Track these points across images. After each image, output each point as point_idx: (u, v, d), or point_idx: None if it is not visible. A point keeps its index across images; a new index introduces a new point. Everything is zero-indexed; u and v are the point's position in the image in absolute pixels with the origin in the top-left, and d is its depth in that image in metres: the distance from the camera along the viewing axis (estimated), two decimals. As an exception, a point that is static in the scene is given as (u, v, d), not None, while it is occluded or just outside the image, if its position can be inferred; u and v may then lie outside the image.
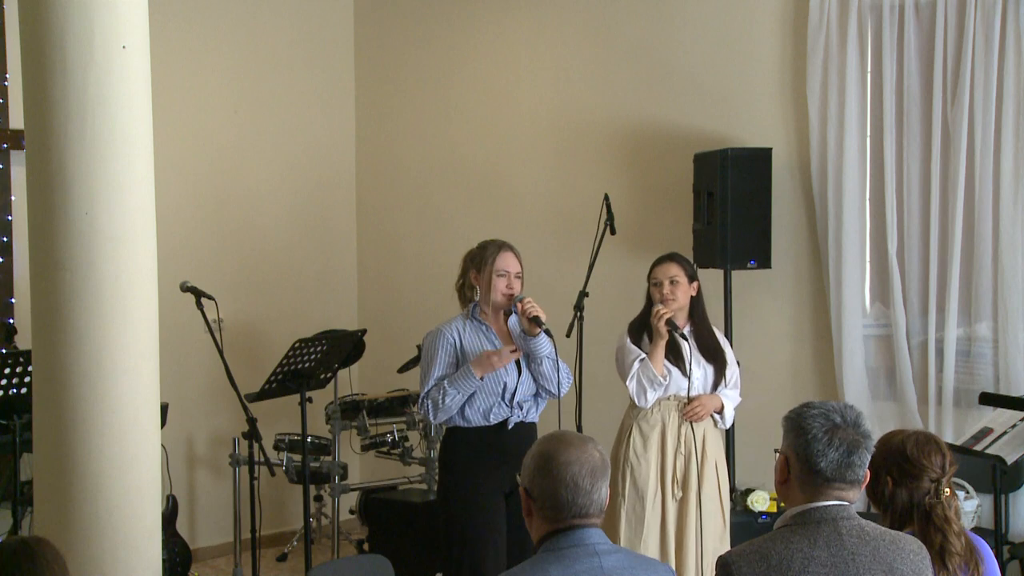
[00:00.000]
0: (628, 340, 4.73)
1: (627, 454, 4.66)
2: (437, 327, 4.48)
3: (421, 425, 6.23)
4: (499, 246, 4.50)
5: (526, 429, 4.45)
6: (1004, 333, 5.18)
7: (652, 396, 4.63)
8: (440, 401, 4.31)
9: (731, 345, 5.02)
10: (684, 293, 4.69)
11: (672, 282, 4.67)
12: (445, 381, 4.34)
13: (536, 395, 4.50)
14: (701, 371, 4.68)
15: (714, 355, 4.73)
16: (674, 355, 4.66)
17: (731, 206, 5.51)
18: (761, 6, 5.83)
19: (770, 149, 5.67)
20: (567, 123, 6.52)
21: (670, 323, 4.58)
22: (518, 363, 4.43)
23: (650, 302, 4.74)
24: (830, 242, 5.52)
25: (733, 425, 4.91)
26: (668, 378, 4.62)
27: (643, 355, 4.65)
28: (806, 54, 5.58)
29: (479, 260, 4.49)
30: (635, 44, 6.24)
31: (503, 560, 4.33)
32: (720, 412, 4.71)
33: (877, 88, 5.46)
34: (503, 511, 4.38)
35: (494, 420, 4.40)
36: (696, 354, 4.68)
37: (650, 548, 4.61)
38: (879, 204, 5.48)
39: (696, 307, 4.75)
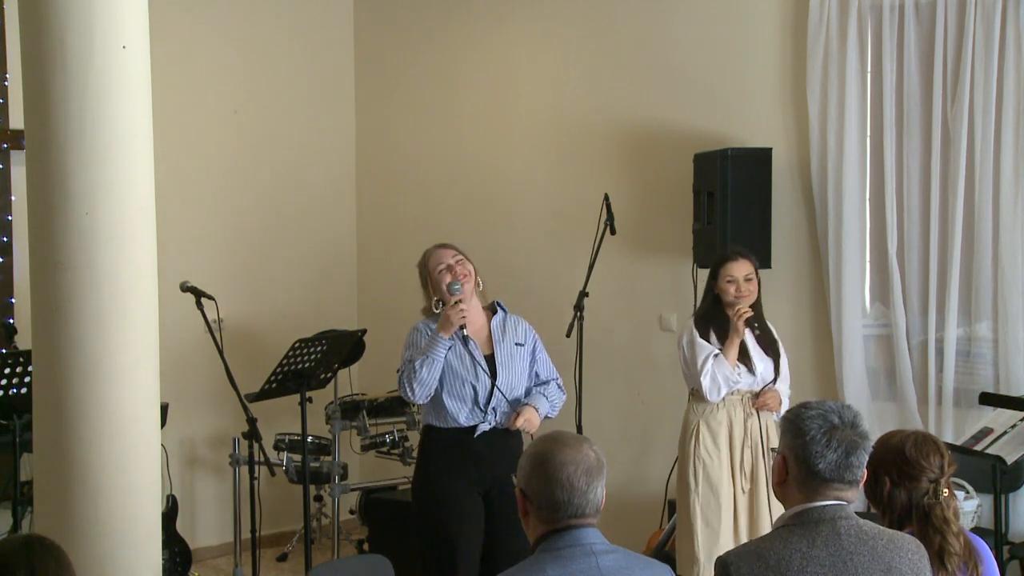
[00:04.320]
0: (698, 335, 4.79)
1: (698, 450, 4.74)
2: (414, 324, 4.50)
3: (420, 425, 6.23)
4: (428, 250, 4.53)
5: (498, 435, 4.40)
6: (1004, 333, 5.18)
7: (724, 391, 4.72)
8: (415, 371, 4.28)
9: None
10: (755, 289, 4.79)
11: (747, 279, 4.76)
12: (416, 356, 4.34)
13: (511, 401, 4.43)
14: (763, 365, 4.78)
15: (771, 348, 4.84)
16: (741, 352, 4.76)
17: (731, 206, 5.51)
18: (761, 6, 5.83)
19: (770, 149, 5.67)
20: (567, 123, 6.52)
21: (750, 323, 4.70)
22: (493, 368, 4.39)
23: (714, 297, 4.80)
24: (830, 242, 5.52)
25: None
26: (740, 374, 4.72)
27: (716, 351, 4.73)
28: (806, 54, 5.58)
29: (421, 271, 4.51)
30: (635, 44, 6.24)
31: (476, 557, 4.36)
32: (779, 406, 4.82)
33: (877, 88, 5.46)
34: (478, 510, 4.38)
35: (466, 423, 4.38)
36: (758, 349, 4.79)
37: (723, 541, 4.69)
38: (879, 204, 5.48)
39: (756, 302, 4.84)
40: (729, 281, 4.75)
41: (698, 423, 4.76)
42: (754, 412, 4.74)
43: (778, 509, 4.59)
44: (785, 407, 4.81)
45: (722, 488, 4.70)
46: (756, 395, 4.75)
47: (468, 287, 4.40)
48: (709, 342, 4.76)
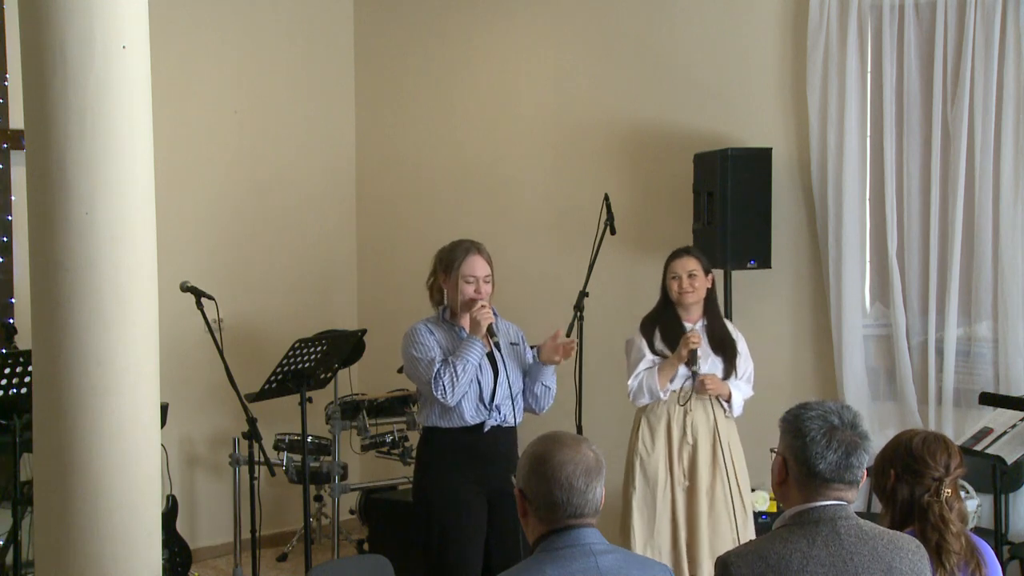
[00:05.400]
0: (639, 337, 4.85)
1: (637, 446, 4.82)
2: (411, 326, 4.46)
3: (420, 427, 6.23)
4: (467, 249, 4.46)
5: (503, 433, 4.42)
6: (1004, 333, 5.18)
7: (646, 401, 4.81)
8: (456, 375, 4.26)
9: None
10: (702, 286, 4.82)
11: (690, 275, 4.79)
12: (449, 358, 4.32)
13: (514, 399, 4.45)
14: (708, 365, 4.79)
15: (723, 347, 4.84)
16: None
17: (731, 206, 5.51)
18: (761, 6, 5.83)
19: (770, 149, 5.67)
20: (567, 123, 6.52)
21: (692, 355, 4.70)
22: (494, 365, 4.41)
23: (665, 296, 4.86)
24: (830, 242, 5.53)
25: (733, 425, 4.95)
26: (667, 393, 4.77)
27: (653, 363, 4.78)
28: (806, 54, 5.58)
29: (447, 262, 4.47)
30: (635, 44, 6.25)
31: (480, 559, 4.36)
32: (728, 400, 4.80)
33: (877, 88, 5.47)
34: (482, 510, 4.38)
35: (471, 422, 4.38)
36: (705, 348, 4.80)
37: (663, 537, 4.75)
38: (879, 204, 5.48)
39: (710, 300, 4.88)
40: (673, 278, 4.82)
41: (641, 420, 4.85)
42: (694, 408, 4.76)
43: (720, 506, 4.67)
44: (738, 406, 4.82)
45: (659, 483, 4.76)
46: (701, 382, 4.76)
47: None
48: (653, 343, 4.80)
